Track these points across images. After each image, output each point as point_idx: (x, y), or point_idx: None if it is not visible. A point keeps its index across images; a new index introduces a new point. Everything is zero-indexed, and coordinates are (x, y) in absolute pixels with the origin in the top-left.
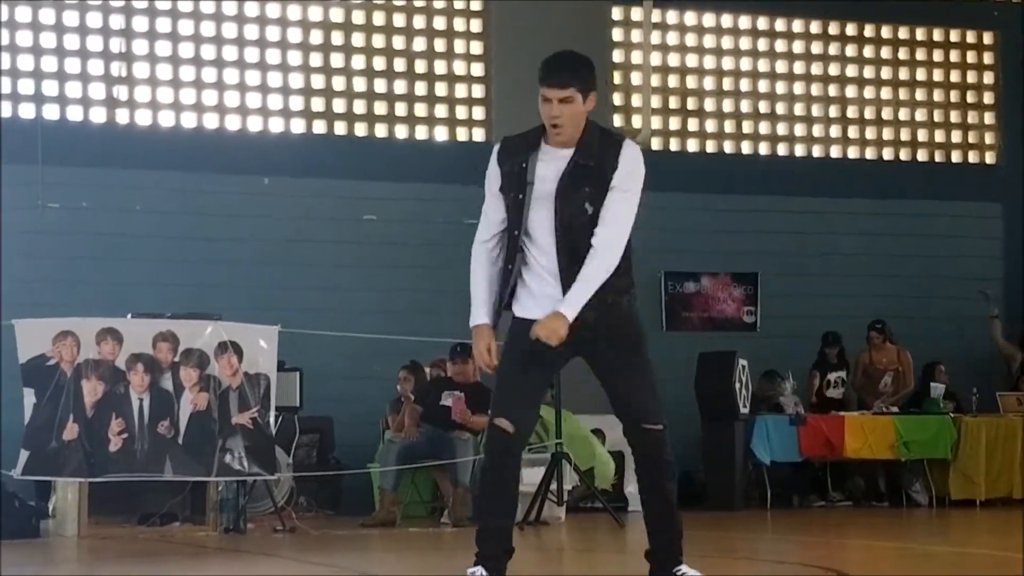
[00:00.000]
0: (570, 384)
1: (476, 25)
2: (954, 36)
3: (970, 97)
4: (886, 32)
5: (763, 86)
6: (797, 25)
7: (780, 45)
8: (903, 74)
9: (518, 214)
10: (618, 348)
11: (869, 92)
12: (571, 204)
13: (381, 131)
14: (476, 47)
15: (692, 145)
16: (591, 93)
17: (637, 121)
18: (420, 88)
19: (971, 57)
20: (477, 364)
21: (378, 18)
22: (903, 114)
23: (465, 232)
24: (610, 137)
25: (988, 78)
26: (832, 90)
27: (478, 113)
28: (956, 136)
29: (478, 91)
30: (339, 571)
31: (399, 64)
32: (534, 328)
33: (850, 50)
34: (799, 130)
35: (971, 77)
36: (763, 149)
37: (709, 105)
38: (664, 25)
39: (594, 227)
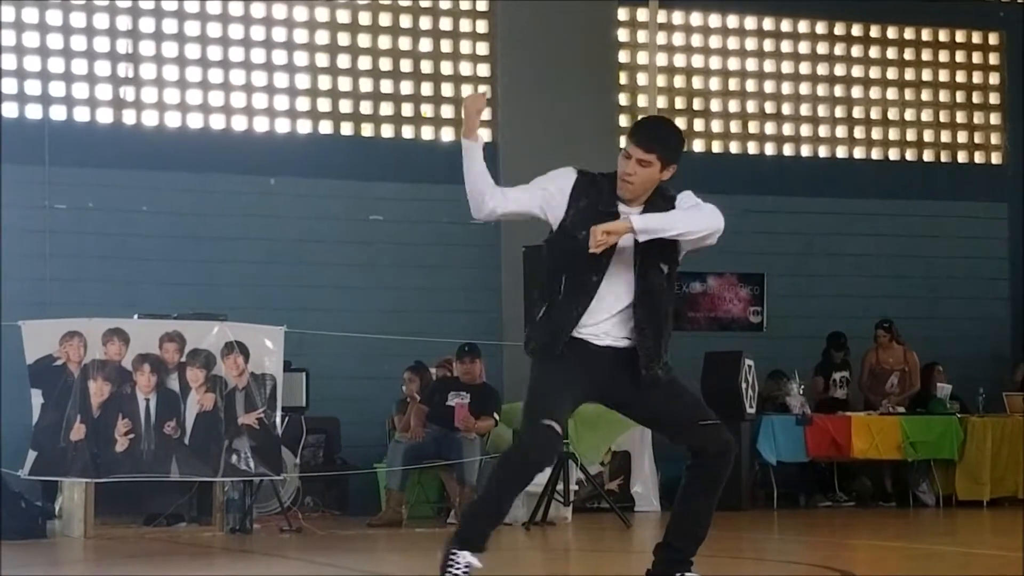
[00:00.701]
0: None
1: (482, 26)
2: (960, 36)
3: (976, 97)
4: (892, 33)
5: (769, 87)
6: (803, 26)
7: (786, 46)
8: (909, 74)
9: (596, 259)
10: (661, 391)
11: (875, 93)
12: (648, 259)
13: (387, 132)
14: (482, 48)
15: (698, 146)
16: (672, 166)
17: None
18: (426, 89)
19: (977, 58)
20: (467, 109)
21: (384, 19)
22: (909, 114)
23: (471, 232)
24: (668, 195)
25: (994, 78)
26: (838, 91)
27: (484, 114)
28: (962, 136)
29: (484, 92)
30: (345, 572)
31: (405, 65)
32: (599, 226)
33: (856, 51)
34: (805, 131)
35: (977, 77)
36: (769, 150)
37: (715, 106)
38: (670, 26)
39: (669, 290)
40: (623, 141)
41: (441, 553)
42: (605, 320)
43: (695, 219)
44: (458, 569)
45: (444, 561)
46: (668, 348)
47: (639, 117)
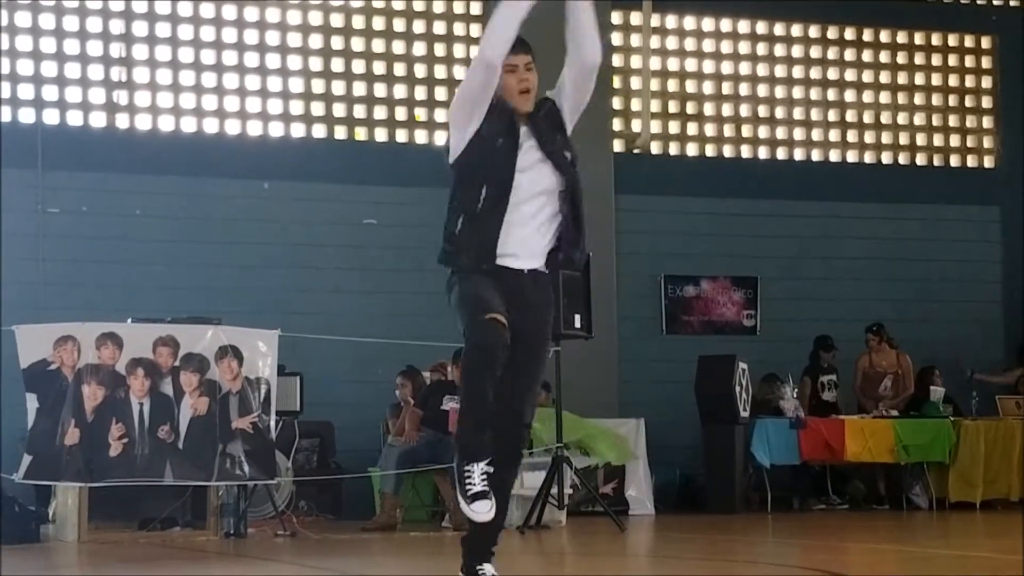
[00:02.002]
0: (570, 385)
1: (475, 30)
2: (953, 40)
3: (969, 101)
4: (885, 36)
5: (762, 90)
6: (796, 29)
7: (779, 49)
8: (902, 78)
9: (509, 162)
10: (543, 333)
11: (868, 96)
12: (562, 157)
13: (381, 135)
14: (475, 52)
15: (692, 149)
16: None
17: (637, 125)
18: (420, 92)
19: (970, 61)
20: None
21: (378, 23)
22: (902, 118)
23: None
24: (546, 98)
25: (987, 82)
26: (831, 94)
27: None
28: (955, 140)
29: None
30: (340, 575)
31: (399, 68)
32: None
33: (849, 54)
34: (798, 134)
35: (970, 81)
36: (762, 153)
37: (708, 109)
38: (663, 29)
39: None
40: (618, 145)
41: (454, 475)
42: (524, 243)
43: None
44: (475, 479)
45: (460, 478)
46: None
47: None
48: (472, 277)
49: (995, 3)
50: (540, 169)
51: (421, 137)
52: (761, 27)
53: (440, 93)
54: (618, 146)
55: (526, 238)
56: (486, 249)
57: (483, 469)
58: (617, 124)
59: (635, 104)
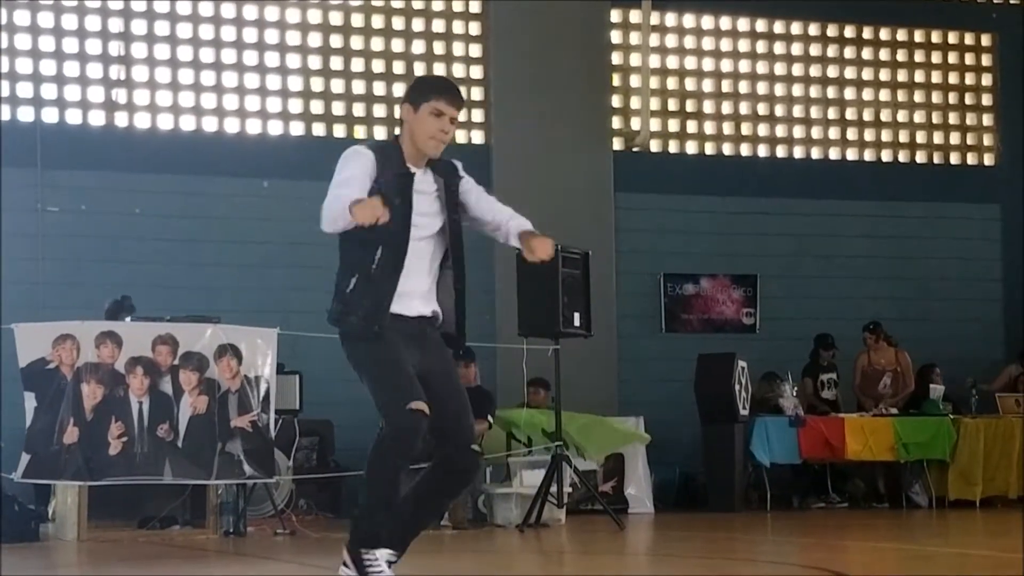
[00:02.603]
0: (569, 384)
1: (475, 28)
2: (952, 38)
3: (968, 99)
4: (884, 34)
5: (762, 88)
6: (796, 27)
7: (779, 47)
8: (902, 76)
9: (404, 223)
10: (448, 359)
11: (867, 94)
12: (455, 218)
13: (380, 134)
14: (475, 50)
15: (691, 147)
16: None
17: (636, 123)
18: None
19: (969, 59)
20: (369, 215)
21: (377, 21)
22: (902, 116)
23: (465, 234)
24: (445, 161)
25: (986, 80)
26: (831, 92)
27: (477, 116)
28: (955, 138)
29: (477, 94)
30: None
31: (398, 67)
32: (543, 248)
33: (848, 52)
34: (798, 132)
35: (969, 79)
36: (762, 151)
37: (708, 107)
38: (663, 27)
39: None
40: (617, 143)
41: (352, 564)
42: (416, 289)
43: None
44: (381, 567)
45: (361, 565)
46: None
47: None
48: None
49: (995, 1)
50: (434, 216)
51: None
52: (761, 25)
53: None
54: (617, 144)
55: (419, 285)
56: (380, 311)
57: (387, 556)
58: (616, 122)
59: (635, 102)
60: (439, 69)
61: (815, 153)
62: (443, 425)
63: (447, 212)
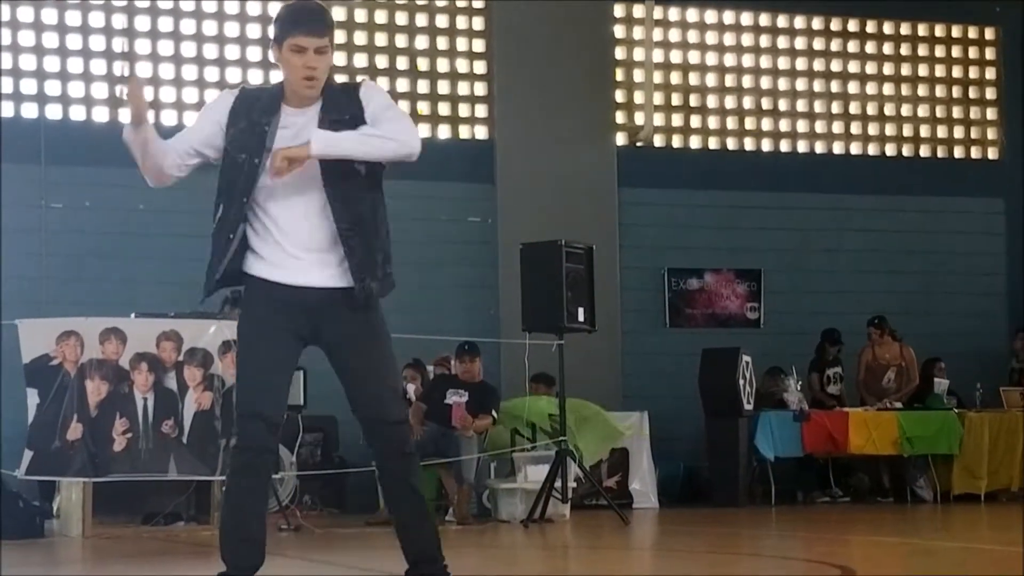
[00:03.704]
0: (573, 379)
1: (478, 23)
2: (956, 32)
3: (972, 93)
4: (888, 28)
5: (765, 83)
6: (799, 21)
7: (782, 41)
8: (905, 70)
9: (250, 180)
10: (369, 333)
11: (871, 88)
12: (339, 167)
13: None
14: (478, 45)
15: (695, 142)
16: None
17: (640, 118)
18: (422, 86)
19: (973, 53)
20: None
21: (380, 16)
22: (905, 110)
23: (468, 230)
24: (346, 86)
25: (990, 74)
26: (834, 86)
27: (480, 111)
28: (959, 132)
29: (480, 89)
30: (344, 570)
31: (401, 62)
32: (277, 152)
33: (852, 46)
34: (802, 126)
35: (973, 73)
36: (766, 146)
37: (711, 102)
38: (666, 22)
39: (369, 188)
40: (621, 138)
41: None
42: (293, 250)
43: (388, 135)
44: None
45: None
46: (387, 259)
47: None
48: (245, 316)
49: None
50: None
51: (424, 131)
52: (764, 19)
53: (443, 87)
54: (621, 139)
55: (297, 243)
56: (209, 271)
57: None
58: (620, 117)
59: (638, 97)
60: (442, 64)
61: (819, 147)
62: (361, 402)
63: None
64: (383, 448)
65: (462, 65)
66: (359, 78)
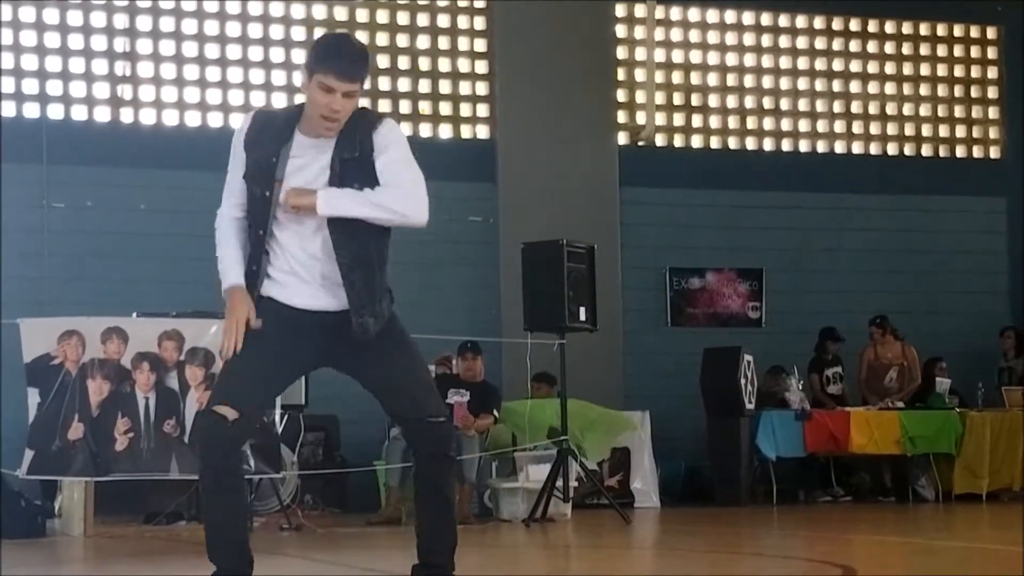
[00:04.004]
0: (574, 378)
1: (479, 22)
2: (957, 31)
3: (974, 92)
4: (889, 27)
5: (767, 82)
6: (800, 21)
7: (784, 41)
8: (907, 69)
9: (264, 213)
10: (389, 343)
11: (873, 87)
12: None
13: None
14: (480, 44)
15: (696, 141)
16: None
17: (641, 117)
18: (424, 86)
19: (975, 52)
20: (226, 344)
21: (381, 16)
22: (907, 109)
23: (470, 230)
24: (365, 118)
25: (992, 73)
26: (836, 86)
27: (482, 110)
28: (960, 131)
29: (482, 88)
30: (345, 569)
31: (403, 62)
32: (288, 192)
33: (854, 45)
34: (803, 126)
35: (975, 72)
36: (767, 145)
37: (713, 101)
38: (667, 21)
39: (375, 228)
40: (622, 137)
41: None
42: (301, 274)
43: (393, 205)
44: None
45: None
46: (385, 294)
47: (329, 40)
48: (249, 333)
49: None
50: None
51: (425, 131)
52: (766, 18)
53: (444, 86)
54: (622, 138)
55: (306, 270)
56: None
57: None
58: (621, 116)
59: (639, 96)
60: (444, 64)
61: (820, 147)
62: (396, 406)
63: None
64: (424, 448)
65: (464, 65)
66: (381, 112)
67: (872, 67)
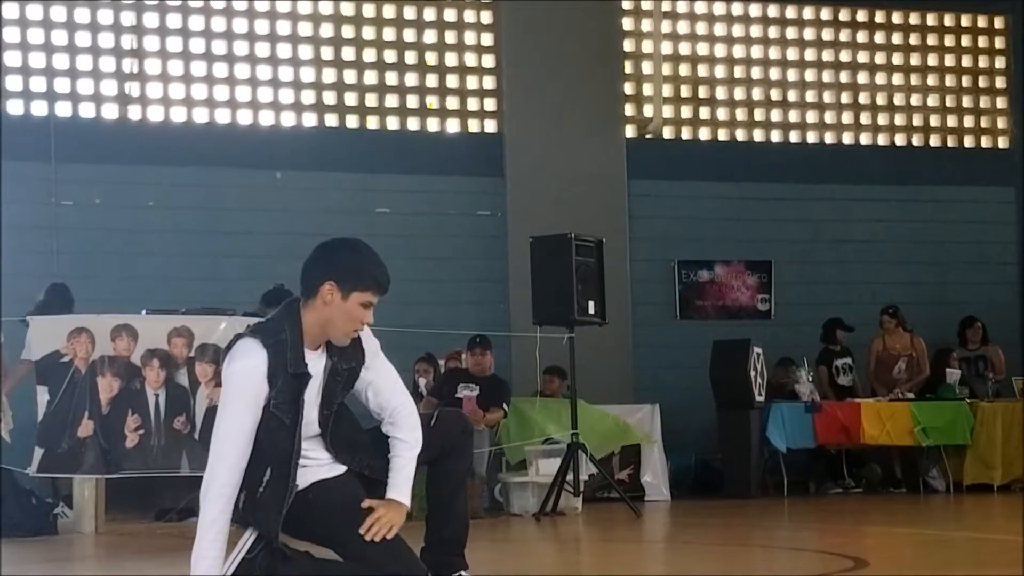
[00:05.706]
0: (584, 372)
1: (486, 16)
2: (965, 21)
3: (982, 82)
4: (897, 18)
5: (774, 73)
6: (808, 12)
7: (791, 32)
8: (914, 59)
9: (291, 439)
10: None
11: (881, 78)
12: (331, 405)
13: (393, 124)
14: (487, 39)
15: (704, 134)
16: None
17: (649, 110)
18: (431, 80)
19: (983, 42)
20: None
21: (388, 11)
22: (915, 100)
23: (478, 224)
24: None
25: (1000, 62)
26: (843, 76)
27: (490, 104)
28: (968, 121)
29: (489, 82)
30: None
31: (410, 57)
32: (380, 509)
33: (861, 36)
34: (811, 117)
35: (983, 62)
36: (775, 137)
37: (721, 93)
38: (675, 14)
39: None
40: (630, 130)
41: None
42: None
43: (419, 441)
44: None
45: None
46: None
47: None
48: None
49: None
50: (314, 406)
51: (433, 125)
52: (773, 10)
53: (451, 80)
54: (630, 131)
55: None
56: (269, 531)
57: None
58: (629, 109)
59: (647, 89)
60: (451, 58)
61: (828, 138)
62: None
63: (323, 402)
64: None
65: (471, 58)
66: None
67: (880, 58)
